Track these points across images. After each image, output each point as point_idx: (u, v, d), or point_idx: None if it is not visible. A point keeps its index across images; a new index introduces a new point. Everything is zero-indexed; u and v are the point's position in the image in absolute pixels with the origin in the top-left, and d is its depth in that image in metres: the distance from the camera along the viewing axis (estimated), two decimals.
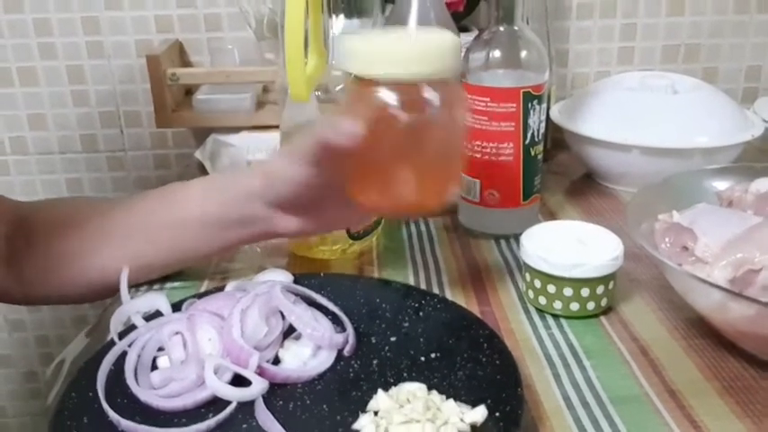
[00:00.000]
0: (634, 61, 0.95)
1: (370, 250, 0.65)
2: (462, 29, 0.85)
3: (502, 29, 0.62)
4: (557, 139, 0.82)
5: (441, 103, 0.45)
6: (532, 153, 0.64)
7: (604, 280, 0.51)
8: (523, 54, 0.63)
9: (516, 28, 0.62)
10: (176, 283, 0.59)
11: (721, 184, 0.58)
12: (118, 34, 0.91)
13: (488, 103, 0.62)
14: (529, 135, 0.63)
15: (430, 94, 0.45)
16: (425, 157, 0.46)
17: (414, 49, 0.45)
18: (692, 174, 0.61)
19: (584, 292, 0.51)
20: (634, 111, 0.74)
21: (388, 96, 0.45)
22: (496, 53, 0.63)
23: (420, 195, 0.47)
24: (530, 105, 0.62)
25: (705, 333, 0.50)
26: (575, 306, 0.51)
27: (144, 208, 0.55)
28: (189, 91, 0.91)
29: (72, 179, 0.98)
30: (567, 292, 0.51)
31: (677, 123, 0.72)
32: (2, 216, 0.54)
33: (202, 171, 0.84)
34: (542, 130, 0.64)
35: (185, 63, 0.92)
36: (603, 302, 0.52)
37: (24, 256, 0.54)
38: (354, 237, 0.63)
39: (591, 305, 0.51)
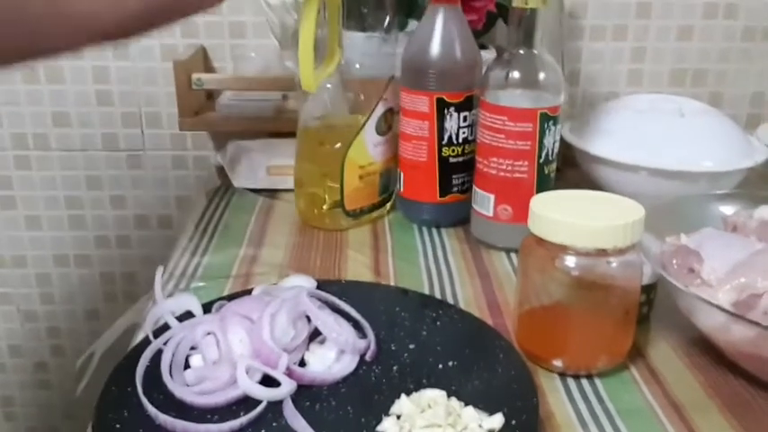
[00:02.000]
0: (643, 83, 0.98)
1: (381, 217, 0.77)
2: (480, 47, 0.88)
3: (521, 51, 0.65)
4: (567, 156, 0.84)
5: (623, 271, 0.48)
6: (546, 171, 0.67)
7: None
8: (541, 76, 0.65)
9: (535, 51, 0.65)
10: (201, 283, 0.62)
11: (727, 209, 0.61)
12: (143, 37, 0.93)
13: (506, 122, 0.64)
14: (544, 154, 0.66)
15: (615, 263, 0.47)
16: (600, 320, 0.49)
17: (606, 224, 0.47)
18: (700, 198, 0.63)
19: None
20: (642, 133, 0.76)
21: (573, 262, 0.47)
22: (515, 74, 0.65)
23: (590, 355, 0.50)
24: (546, 126, 0.65)
25: (707, 352, 0.53)
26: None
27: None
28: (210, 95, 0.93)
29: (92, 176, 1.00)
30: None
31: (684, 147, 0.74)
32: None
33: (221, 175, 0.87)
34: (556, 150, 0.67)
35: (208, 68, 0.94)
36: None
37: None
38: (350, 214, 0.72)
39: None
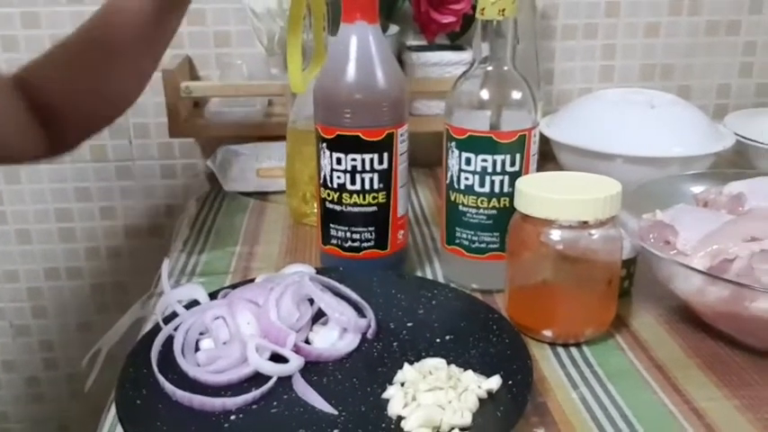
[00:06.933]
0: (614, 79, 1.02)
1: None
2: (457, 47, 0.91)
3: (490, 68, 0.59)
4: (544, 151, 0.88)
5: (604, 243, 0.51)
6: None
7: None
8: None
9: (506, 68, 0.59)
10: (202, 279, 0.64)
11: (697, 188, 0.65)
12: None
13: None
14: None
15: (596, 236, 0.51)
16: (585, 291, 0.52)
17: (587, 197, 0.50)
18: (672, 178, 0.67)
19: None
20: (616, 123, 0.80)
21: (558, 236, 0.51)
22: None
23: (577, 325, 0.53)
24: None
25: (685, 319, 0.56)
26: None
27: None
28: (196, 104, 0.96)
29: (81, 188, 1.02)
30: None
31: (655, 135, 0.78)
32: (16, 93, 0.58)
33: (211, 180, 0.89)
34: None
35: (194, 77, 0.97)
36: None
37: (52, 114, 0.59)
38: None
39: None
